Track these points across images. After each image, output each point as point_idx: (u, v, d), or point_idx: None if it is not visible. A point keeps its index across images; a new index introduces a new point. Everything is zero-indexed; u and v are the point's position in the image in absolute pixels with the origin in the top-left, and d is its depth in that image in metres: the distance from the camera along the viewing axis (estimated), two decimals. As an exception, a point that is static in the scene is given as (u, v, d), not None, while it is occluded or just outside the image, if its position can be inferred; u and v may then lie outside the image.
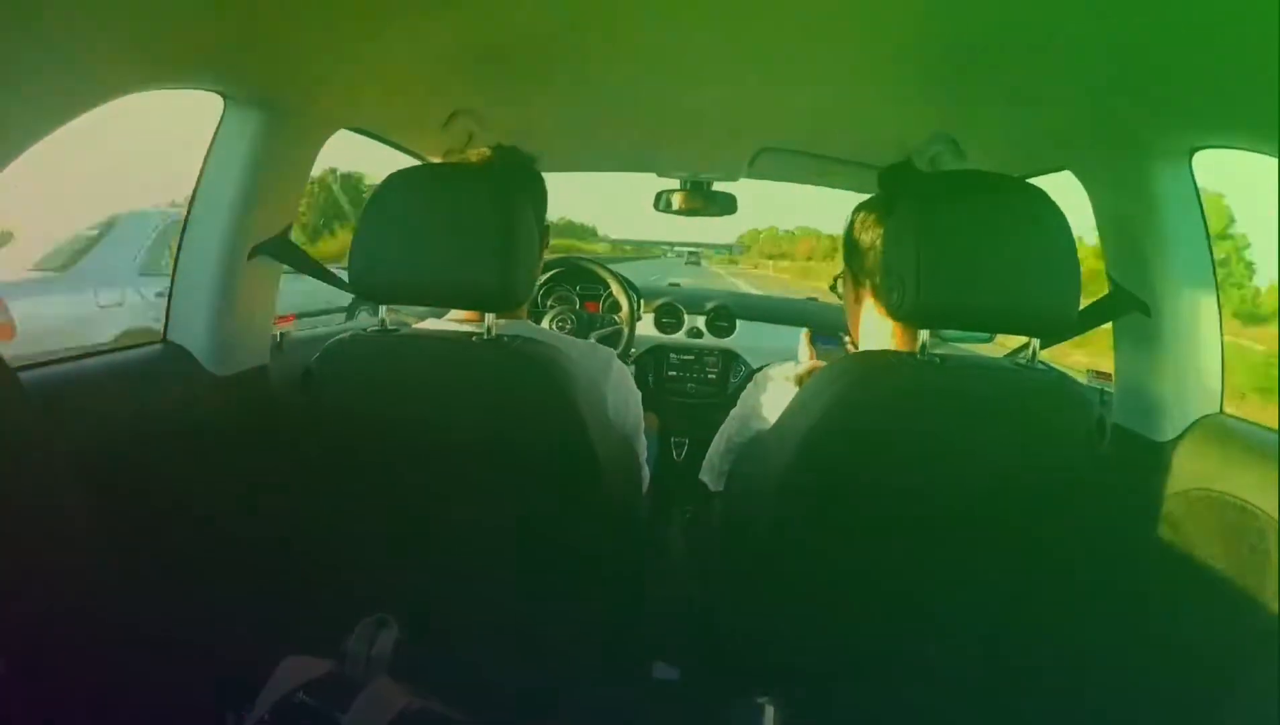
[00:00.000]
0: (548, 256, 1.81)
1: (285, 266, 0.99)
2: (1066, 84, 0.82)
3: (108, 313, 3.07)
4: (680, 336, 1.87)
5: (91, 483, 0.66)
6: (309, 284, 1.12)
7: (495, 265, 0.71)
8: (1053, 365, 0.76)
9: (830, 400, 0.71)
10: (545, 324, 1.71)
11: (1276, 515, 0.70)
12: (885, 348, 0.83)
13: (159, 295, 2.97)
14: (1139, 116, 0.82)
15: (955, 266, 0.67)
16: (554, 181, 1.09)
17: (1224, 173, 0.97)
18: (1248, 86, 0.67)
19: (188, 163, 0.91)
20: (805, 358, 1.03)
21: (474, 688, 0.71)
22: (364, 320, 0.87)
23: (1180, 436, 0.84)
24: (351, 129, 1.06)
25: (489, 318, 0.75)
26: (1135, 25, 0.66)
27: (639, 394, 0.99)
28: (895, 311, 0.71)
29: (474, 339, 0.75)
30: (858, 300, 0.88)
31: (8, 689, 0.55)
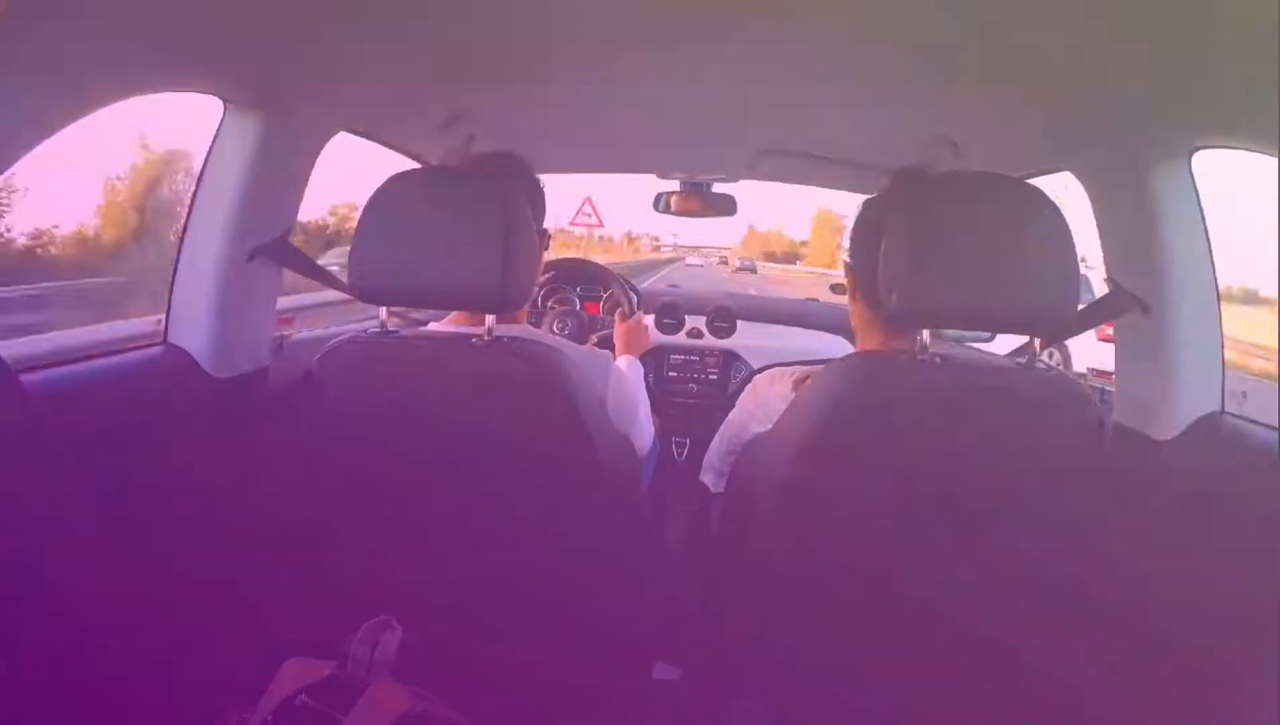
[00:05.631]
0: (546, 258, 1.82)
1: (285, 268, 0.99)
2: (1066, 84, 0.82)
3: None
4: (680, 337, 1.87)
5: (92, 485, 0.66)
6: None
7: (495, 268, 0.71)
8: (1052, 364, 0.76)
9: (830, 401, 0.71)
10: (545, 325, 1.71)
11: (1277, 513, 0.70)
12: (885, 346, 0.83)
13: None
14: (1139, 116, 0.82)
15: (955, 266, 0.67)
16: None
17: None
18: (1248, 86, 0.67)
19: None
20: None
21: (475, 689, 0.71)
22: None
23: (1180, 435, 0.84)
24: (351, 131, 1.07)
25: (489, 320, 0.75)
26: (1135, 25, 0.66)
27: (642, 389, 0.99)
28: (895, 311, 0.71)
29: (474, 341, 0.75)
30: (858, 297, 0.88)
31: (8, 689, 0.55)
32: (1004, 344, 1.25)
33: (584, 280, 1.86)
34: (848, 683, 0.79)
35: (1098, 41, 0.71)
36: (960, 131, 1.07)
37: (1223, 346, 0.85)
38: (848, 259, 0.90)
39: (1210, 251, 0.85)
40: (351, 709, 0.57)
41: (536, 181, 1.00)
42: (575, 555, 0.81)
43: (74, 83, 0.62)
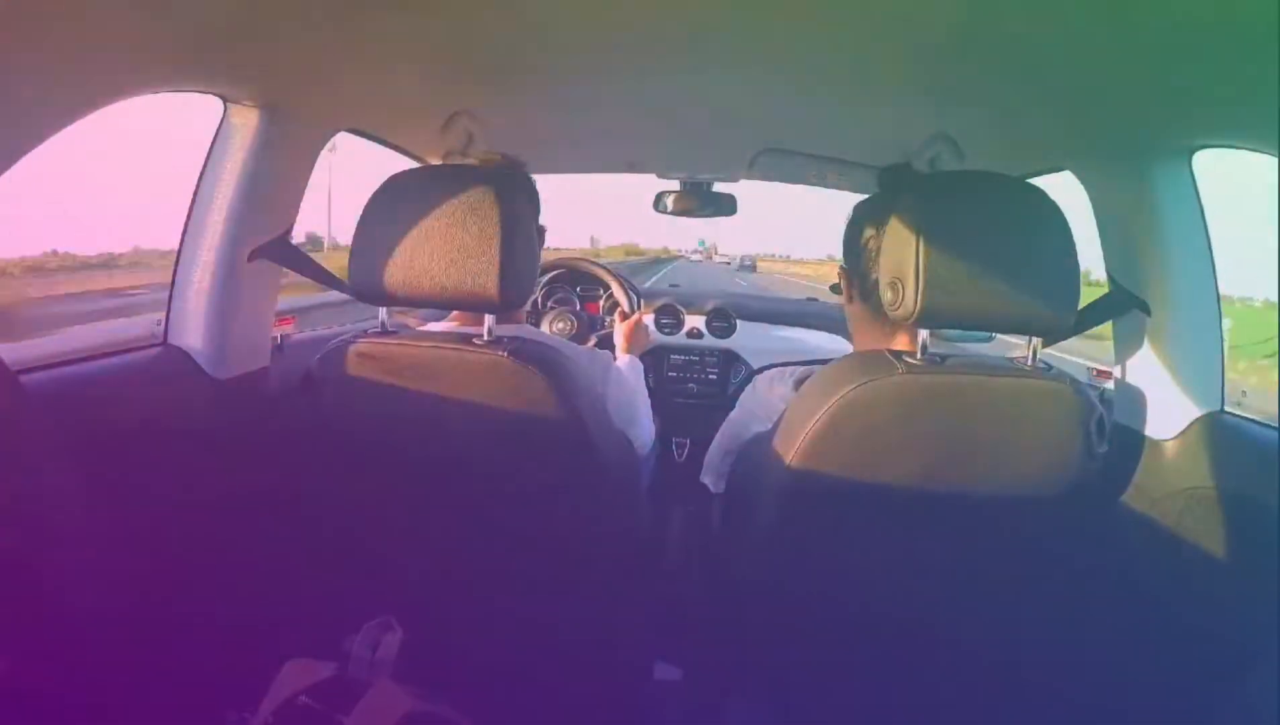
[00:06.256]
0: (546, 259, 1.82)
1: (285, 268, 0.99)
2: (1066, 84, 0.82)
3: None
4: (680, 337, 1.87)
5: (91, 486, 0.66)
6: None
7: (496, 268, 0.71)
8: (1053, 364, 0.76)
9: (830, 402, 0.71)
10: (546, 325, 1.71)
11: (1277, 511, 0.70)
12: (885, 346, 0.83)
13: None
14: (1139, 116, 0.82)
15: (954, 266, 0.67)
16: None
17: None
18: (1248, 86, 0.67)
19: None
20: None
21: (475, 690, 0.71)
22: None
23: (1181, 434, 0.84)
24: (351, 131, 1.06)
25: (489, 320, 0.75)
26: (1135, 25, 0.66)
27: (642, 388, 0.99)
28: (895, 312, 0.71)
29: (474, 342, 0.75)
30: (854, 299, 0.88)
31: (9, 688, 0.55)
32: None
33: (584, 280, 1.85)
34: (847, 682, 0.80)
35: (1098, 42, 0.71)
36: (960, 131, 1.07)
37: (1223, 346, 0.85)
38: (844, 262, 0.90)
39: (1210, 251, 0.85)
40: (353, 710, 0.57)
41: (530, 180, 1.00)
42: (575, 555, 0.81)
43: (74, 83, 0.62)
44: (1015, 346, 0.77)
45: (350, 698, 0.58)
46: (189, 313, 0.90)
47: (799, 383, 0.88)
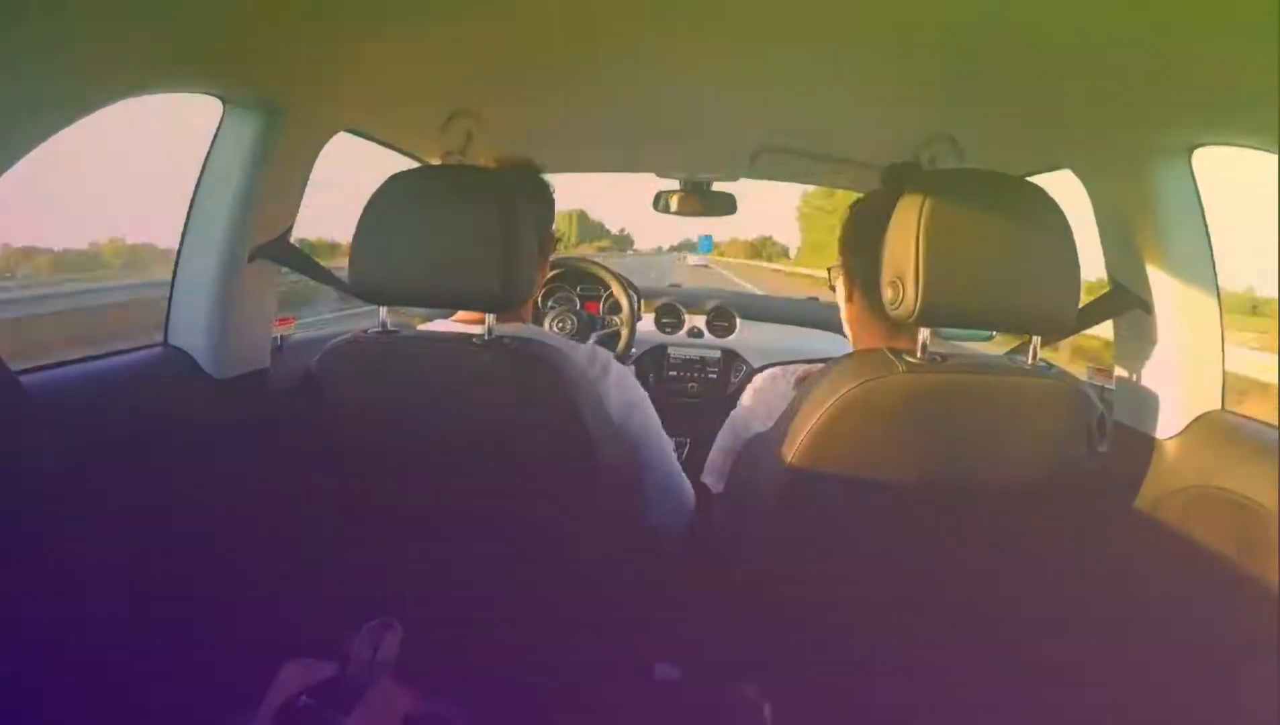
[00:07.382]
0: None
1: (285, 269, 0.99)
2: (1066, 83, 0.82)
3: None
4: (681, 336, 1.87)
5: (91, 486, 0.66)
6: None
7: (495, 267, 0.71)
8: (1053, 363, 0.76)
9: (831, 401, 0.71)
10: (546, 325, 1.71)
11: (1277, 511, 0.70)
12: (884, 345, 0.83)
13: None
14: (1139, 115, 0.82)
15: (955, 265, 0.67)
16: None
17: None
18: (1248, 84, 0.67)
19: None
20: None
21: (476, 689, 0.71)
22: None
23: (1181, 433, 0.84)
24: (351, 131, 1.06)
25: (490, 319, 0.75)
26: (1135, 24, 0.66)
27: (645, 394, 0.98)
28: (895, 311, 0.71)
29: (475, 341, 0.75)
30: (853, 298, 0.87)
31: (9, 691, 0.55)
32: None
33: (584, 280, 1.85)
34: (849, 681, 0.80)
35: (1097, 41, 0.71)
36: (960, 130, 1.07)
37: (1223, 344, 0.85)
38: (841, 259, 0.90)
39: (1210, 249, 0.85)
40: (354, 710, 0.57)
41: (545, 185, 1.01)
42: (575, 555, 0.81)
43: (74, 83, 0.62)
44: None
45: (351, 698, 0.58)
46: (189, 312, 0.90)
47: (799, 382, 0.88)
